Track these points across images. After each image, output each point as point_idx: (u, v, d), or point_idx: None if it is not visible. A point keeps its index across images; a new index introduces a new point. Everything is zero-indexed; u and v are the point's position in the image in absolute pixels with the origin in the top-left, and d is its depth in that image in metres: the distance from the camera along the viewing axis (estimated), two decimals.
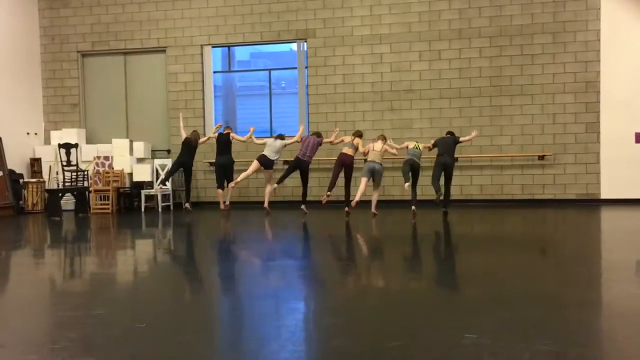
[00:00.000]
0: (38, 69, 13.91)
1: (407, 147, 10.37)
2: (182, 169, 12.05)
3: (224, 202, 11.61)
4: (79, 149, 12.95)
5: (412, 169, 10.03)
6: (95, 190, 12.48)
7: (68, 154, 12.60)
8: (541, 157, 11.75)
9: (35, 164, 13.32)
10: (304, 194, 10.86)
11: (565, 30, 11.82)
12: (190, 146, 11.86)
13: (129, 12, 13.56)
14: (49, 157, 13.26)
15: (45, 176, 13.17)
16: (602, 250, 7.12)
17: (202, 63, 13.37)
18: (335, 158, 10.77)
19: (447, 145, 10.22)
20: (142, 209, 12.48)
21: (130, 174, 12.86)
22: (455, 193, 11.75)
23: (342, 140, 10.82)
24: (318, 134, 11.09)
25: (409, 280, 5.45)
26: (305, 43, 12.96)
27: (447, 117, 12.18)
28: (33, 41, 13.79)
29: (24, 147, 13.34)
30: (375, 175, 10.04)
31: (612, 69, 11.67)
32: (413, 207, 9.74)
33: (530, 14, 11.92)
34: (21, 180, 12.78)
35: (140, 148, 13.08)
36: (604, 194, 11.71)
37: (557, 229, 8.94)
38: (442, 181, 10.08)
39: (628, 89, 11.63)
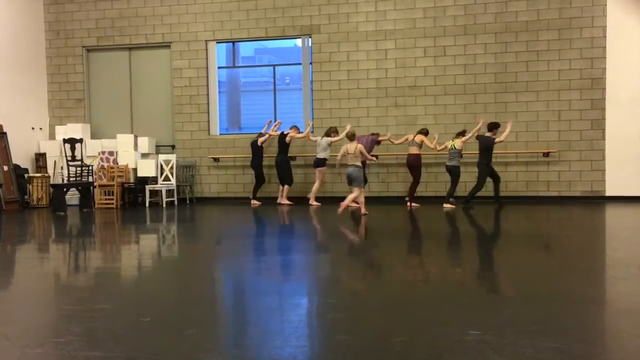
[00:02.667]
0: (43, 64, 13.94)
1: (446, 147, 10.87)
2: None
3: (280, 199, 12.04)
4: (83, 144, 12.99)
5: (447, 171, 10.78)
6: (100, 185, 12.52)
7: (73, 149, 12.64)
8: (546, 154, 11.72)
9: (40, 158, 13.36)
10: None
11: (571, 27, 11.77)
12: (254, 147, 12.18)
13: (133, 7, 13.57)
14: (54, 152, 13.31)
15: (50, 171, 13.21)
16: (607, 248, 7.09)
17: (207, 58, 13.37)
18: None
19: (479, 145, 10.60)
20: (147, 204, 12.50)
21: (135, 169, 12.89)
22: (459, 189, 11.75)
23: (406, 139, 11.22)
24: (374, 133, 11.49)
25: (413, 275, 5.44)
26: (309, 39, 12.94)
27: (451, 113, 12.16)
28: (38, 36, 13.82)
29: (29, 142, 13.39)
30: (352, 181, 9.62)
31: (618, 65, 11.62)
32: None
33: (536, 10, 11.88)
34: (26, 175, 12.83)
35: (144, 143, 13.10)
36: (609, 191, 11.69)
37: (561, 226, 8.91)
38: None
39: (634, 86, 11.59)
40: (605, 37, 11.67)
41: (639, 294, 4.53)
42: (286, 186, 11.95)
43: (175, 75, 13.49)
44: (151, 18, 13.53)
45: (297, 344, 3.38)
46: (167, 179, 12.75)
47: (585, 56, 11.76)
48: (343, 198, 11.26)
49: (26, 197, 12.73)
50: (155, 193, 12.90)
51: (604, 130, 11.69)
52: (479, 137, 10.72)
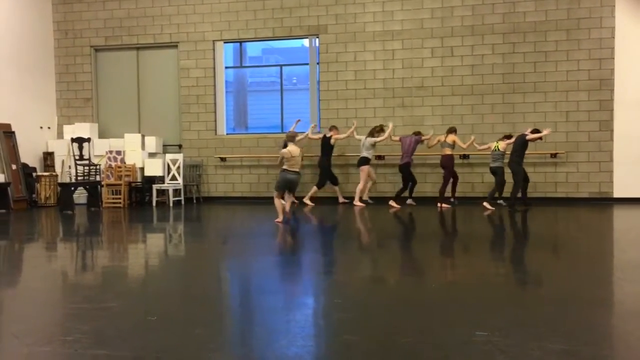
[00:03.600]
0: (51, 64, 14.01)
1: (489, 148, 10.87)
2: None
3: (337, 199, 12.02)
4: (91, 143, 13.04)
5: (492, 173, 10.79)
6: (107, 185, 12.56)
7: (80, 148, 12.68)
8: (553, 155, 11.67)
9: (48, 158, 13.43)
10: (410, 190, 11.42)
11: (579, 27, 11.71)
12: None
13: (141, 7, 13.61)
14: (62, 151, 13.36)
15: (58, 170, 13.27)
16: (615, 250, 7.06)
17: (214, 58, 13.39)
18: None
19: (514, 145, 10.50)
20: (154, 204, 12.54)
21: (142, 169, 12.93)
22: (467, 190, 11.75)
23: (438, 141, 11.23)
24: (416, 133, 11.39)
25: (420, 276, 5.44)
26: (317, 39, 12.94)
27: (458, 114, 12.13)
28: (46, 36, 13.89)
29: (37, 141, 13.46)
30: (293, 188, 8.77)
31: (627, 66, 11.56)
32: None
33: (544, 10, 11.83)
34: (34, 174, 12.89)
35: (152, 143, 13.14)
36: (617, 193, 11.61)
37: (569, 227, 8.87)
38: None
39: None
40: (614, 37, 11.60)
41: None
42: (315, 187, 11.77)
43: (182, 75, 13.52)
44: (159, 18, 13.56)
45: (303, 344, 3.39)
46: (174, 178, 12.78)
47: (593, 57, 11.70)
48: (388, 198, 11.44)
49: (34, 196, 12.79)
50: (162, 192, 12.93)
51: (612, 131, 11.62)
52: (516, 138, 10.61)
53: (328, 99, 12.81)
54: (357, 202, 11.48)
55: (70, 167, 13.10)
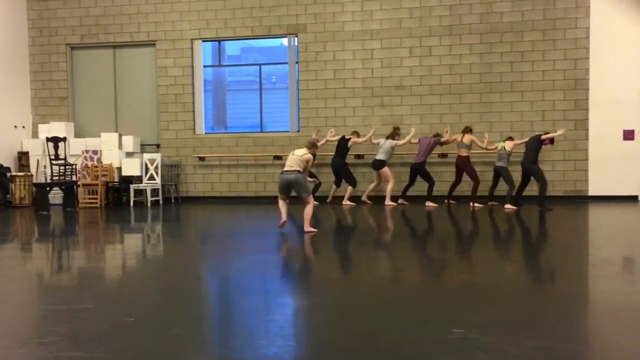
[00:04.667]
0: (26, 62, 13.80)
1: (496, 149, 10.98)
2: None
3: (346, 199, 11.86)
4: (67, 142, 12.87)
5: (494, 174, 10.91)
6: (84, 185, 12.41)
7: (56, 147, 12.51)
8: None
9: (22, 157, 13.22)
10: (429, 191, 11.37)
11: (555, 28, 11.88)
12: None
13: (118, 5, 13.47)
14: (37, 150, 13.17)
15: (33, 170, 13.08)
16: (590, 247, 7.17)
17: (192, 57, 13.31)
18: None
19: (529, 144, 10.63)
20: (131, 204, 12.42)
21: (119, 169, 12.80)
22: (445, 189, 11.80)
23: (455, 140, 11.24)
24: (436, 135, 11.40)
25: (398, 274, 5.46)
26: (296, 38, 12.93)
27: (437, 113, 12.22)
28: (21, 33, 13.67)
29: (12, 140, 13.25)
30: (294, 188, 7.72)
31: (601, 66, 11.76)
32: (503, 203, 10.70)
33: (521, 11, 11.98)
34: (8, 174, 12.68)
35: (129, 142, 13.01)
36: (592, 191, 11.82)
37: (545, 225, 8.99)
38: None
39: (617, 87, 11.73)
40: (589, 38, 11.79)
41: (621, 292, 4.59)
42: (350, 187, 11.71)
43: (160, 73, 13.41)
44: (136, 16, 13.43)
45: (282, 344, 3.38)
46: (152, 178, 12.67)
47: (569, 57, 11.87)
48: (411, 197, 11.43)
49: (8, 196, 12.59)
50: (140, 192, 12.82)
51: (587, 130, 11.81)
52: (530, 138, 10.75)
53: (307, 98, 12.81)
54: (388, 202, 11.44)
55: (45, 167, 12.93)
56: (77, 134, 13.57)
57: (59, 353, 3.22)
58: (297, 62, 12.96)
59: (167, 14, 13.31)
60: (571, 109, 11.89)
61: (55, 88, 13.84)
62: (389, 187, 11.51)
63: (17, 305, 4.51)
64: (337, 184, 12.04)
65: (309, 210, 7.69)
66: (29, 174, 12.79)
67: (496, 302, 4.24)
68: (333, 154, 11.90)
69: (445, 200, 11.35)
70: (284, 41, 13.40)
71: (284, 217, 7.74)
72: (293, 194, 7.85)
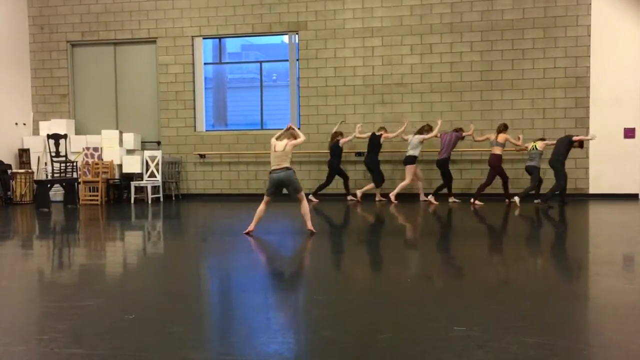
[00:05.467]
0: (27, 59, 13.79)
1: (526, 149, 10.95)
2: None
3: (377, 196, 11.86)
4: (68, 139, 12.87)
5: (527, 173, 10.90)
6: (85, 182, 12.41)
7: (57, 144, 12.52)
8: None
9: (23, 154, 13.22)
10: (448, 188, 11.31)
11: (555, 25, 11.86)
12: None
13: (119, 2, 13.45)
14: (38, 147, 13.18)
15: (34, 167, 13.08)
16: (590, 245, 7.17)
17: (193, 54, 13.30)
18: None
19: (559, 144, 10.62)
20: (132, 201, 12.43)
21: (120, 166, 12.80)
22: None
23: (487, 139, 11.16)
24: (457, 129, 11.28)
25: (398, 272, 5.47)
26: (296, 35, 12.92)
27: (437, 111, 12.21)
28: (22, 30, 13.67)
29: (13, 137, 13.25)
30: (287, 187, 7.37)
31: (602, 64, 11.74)
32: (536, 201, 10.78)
33: (522, 8, 11.96)
34: (9, 171, 12.68)
35: (130, 139, 13.01)
36: (592, 189, 11.81)
37: (545, 223, 8.99)
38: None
39: (617, 85, 11.72)
40: (590, 36, 11.78)
41: (621, 290, 4.59)
42: (371, 184, 11.64)
43: (161, 71, 13.40)
44: (136, 13, 13.42)
45: (282, 341, 3.39)
46: (152, 175, 12.68)
47: (569, 55, 11.86)
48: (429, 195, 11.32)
49: (9, 193, 12.59)
50: (140, 189, 12.82)
51: (587, 128, 11.79)
52: (560, 139, 10.73)
53: (308, 95, 12.80)
54: (392, 196, 11.33)
55: (46, 164, 12.93)
56: (78, 131, 13.56)
57: (60, 350, 3.22)
58: (297, 60, 12.95)
59: (167, 11, 13.30)
60: (572, 107, 11.88)
61: (56, 85, 13.84)
62: (402, 184, 11.38)
63: (18, 302, 4.51)
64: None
65: (306, 206, 7.42)
66: (29, 171, 12.79)
67: (497, 300, 4.24)
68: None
69: (506, 200, 11.04)
70: (285, 38, 13.39)
71: (253, 225, 7.39)
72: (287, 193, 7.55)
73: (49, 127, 13.11)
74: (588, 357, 3.15)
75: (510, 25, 12.01)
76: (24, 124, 13.61)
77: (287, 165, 7.30)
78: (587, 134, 11.68)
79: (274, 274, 5.59)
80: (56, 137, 12.54)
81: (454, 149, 11.35)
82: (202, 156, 13.24)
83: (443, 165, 11.23)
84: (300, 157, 12.57)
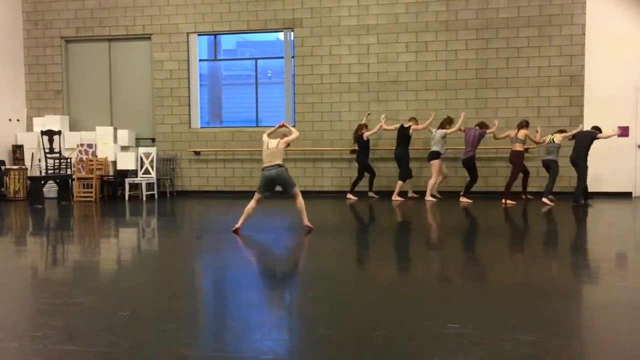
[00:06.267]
0: (21, 55, 13.72)
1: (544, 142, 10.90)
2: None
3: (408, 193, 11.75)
4: (62, 136, 12.82)
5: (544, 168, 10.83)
6: (79, 178, 12.37)
7: (51, 141, 12.46)
8: (525, 150, 11.80)
9: (17, 150, 13.17)
10: (467, 187, 11.18)
11: (550, 24, 11.89)
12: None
13: None
14: (32, 144, 13.12)
15: (28, 163, 13.03)
16: (584, 243, 7.20)
17: (188, 51, 13.26)
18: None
19: (579, 140, 10.57)
20: (126, 198, 12.39)
21: (114, 162, 12.75)
22: (441, 186, 11.80)
23: (508, 135, 11.10)
24: (481, 125, 11.14)
25: (392, 268, 5.47)
26: (292, 32, 12.90)
27: (432, 108, 12.21)
28: (16, 26, 13.59)
29: (6, 133, 13.19)
30: (280, 185, 7.37)
31: (597, 63, 11.77)
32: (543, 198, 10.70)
33: (517, 7, 11.97)
34: (3, 167, 12.62)
35: (124, 136, 12.97)
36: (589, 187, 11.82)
37: (539, 221, 9.01)
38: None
39: (612, 84, 11.75)
40: (584, 34, 11.80)
41: (614, 287, 4.61)
42: (400, 182, 11.45)
43: (155, 67, 13.36)
44: (131, 9, 13.37)
45: (277, 338, 3.39)
46: (147, 172, 12.64)
47: (564, 53, 11.88)
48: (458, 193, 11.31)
49: (3, 189, 12.53)
50: (135, 186, 12.79)
51: (582, 127, 11.80)
52: (580, 134, 10.67)
53: (303, 92, 12.79)
54: (428, 197, 11.24)
55: (40, 160, 12.87)
56: (72, 128, 13.51)
57: (53, 346, 3.21)
58: (293, 57, 12.93)
59: (162, 7, 13.25)
60: (566, 105, 11.92)
61: (50, 81, 13.77)
62: (430, 182, 11.27)
63: (11, 299, 4.50)
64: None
65: (301, 202, 7.38)
66: (23, 167, 12.74)
67: (492, 298, 4.26)
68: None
69: (523, 196, 11.11)
70: (280, 35, 13.37)
71: (240, 223, 7.32)
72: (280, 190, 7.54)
73: (42, 123, 13.05)
74: (581, 354, 3.17)
75: (506, 23, 12.03)
76: (18, 120, 13.55)
77: (279, 162, 7.27)
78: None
79: (268, 271, 5.59)
80: (50, 134, 12.49)
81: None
82: (197, 153, 13.21)
83: (469, 163, 11.08)
84: (295, 155, 12.57)
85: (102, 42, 13.68)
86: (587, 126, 11.77)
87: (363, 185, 11.90)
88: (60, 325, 3.59)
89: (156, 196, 12.72)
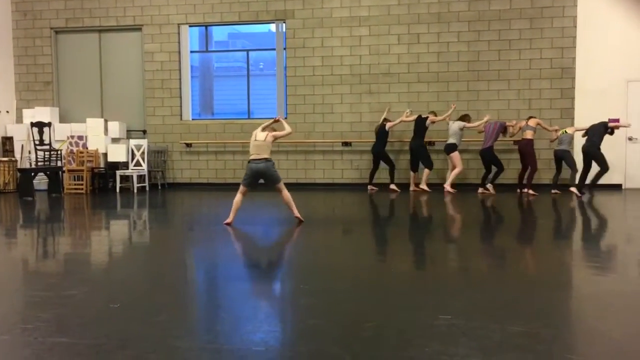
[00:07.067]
0: (9, 46, 13.59)
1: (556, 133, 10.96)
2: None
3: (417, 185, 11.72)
4: (52, 127, 12.73)
5: (555, 159, 10.86)
6: (69, 170, 12.30)
7: (41, 132, 12.38)
8: (516, 142, 11.85)
9: (7, 142, 13.07)
10: (487, 176, 11.24)
11: (542, 16, 11.91)
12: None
13: None
14: (21, 135, 13.03)
15: (18, 155, 12.94)
16: (573, 235, 7.24)
17: (179, 42, 13.19)
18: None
19: (593, 130, 10.60)
20: (117, 190, 12.34)
21: (105, 154, 12.69)
22: (431, 177, 11.82)
23: (520, 128, 11.15)
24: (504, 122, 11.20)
25: (383, 260, 5.49)
26: (284, 24, 12.84)
27: (424, 101, 12.23)
28: (4, 17, 13.46)
29: None
30: (265, 179, 7.36)
31: (588, 55, 11.81)
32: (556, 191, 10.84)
33: None
34: None
35: (115, 128, 12.90)
36: (578, 180, 11.87)
37: (529, 213, 9.06)
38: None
39: (602, 76, 11.80)
40: (576, 27, 11.84)
41: (603, 279, 4.64)
42: (426, 170, 11.49)
43: (146, 58, 13.27)
44: (122, 0, 13.26)
45: (269, 329, 3.39)
46: (138, 164, 12.59)
47: (555, 46, 11.91)
48: (476, 185, 11.38)
49: None
50: (126, 178, 12.74)
51: (573, 119, 11.88)
52: (594, 125, 10.70)
53: (295, 84, 12.76)
54: (447, 187, 11.26)
55: (30, 152, 12.79)
56: (62, 119, 13.42)
57: (44, 339, 3.20)
58: (284, 49, 12.89)
59: None
60: (557, 97, 11.96)
61: (40, 72, 13.67)
62: (454, 172, 11.26)
63: (1, 292, 4.47)
64: (414, 169, 11.74)
65: (287, 195, 7.35)
66: (13, 159, 12.65)
67: (482, 289, 4.28)
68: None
69: (519, 190, 11.16)
70: (272, 27, 13.31)
71: (232, 217, 7.30)
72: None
73: (32, 115, 12.96)
74: (571, 344, 3.19)
75: (497, 15, 12.04)
76: (7, 112, 13.45)
77: (267, 156, 7.22)
78: (572, 124, 11.76)
79: (260, 263, 5.58)
80: (40, 125, 12.40)
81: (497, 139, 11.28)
82: (188, 145, 13.17)
83: (488, 154, 11.11)
84: (287, 147, 12.57)
85: (92, 33, 13.58)
86: (577, 120, 11.84)
87: (383, 177, 11.92)
88: (51, 318, 3.58)
89: (147, 188, 12.68)
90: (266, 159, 7.20)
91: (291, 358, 2.97)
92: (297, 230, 7.03)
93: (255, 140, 7.27)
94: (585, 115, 11.73)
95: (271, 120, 7.71)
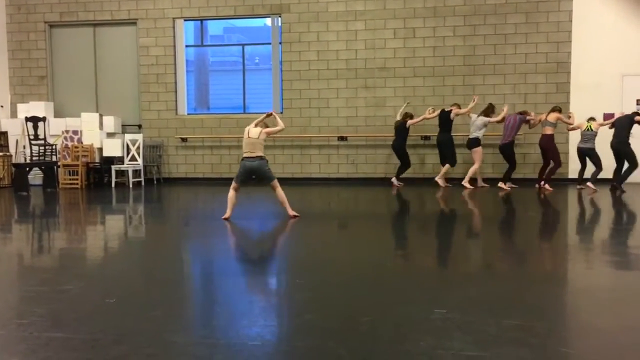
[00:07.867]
0: (4, 40, 13.51)
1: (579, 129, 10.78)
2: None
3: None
4: (46, 122, 12.68)
5: (579, 155, 10.70)
6: (64, 165, 12.26)
7: (35, 127, 12.33)
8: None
9: (1, 137, 13.01)
10: (510, 171, 11.10)
11: (538, 11, 11.91)
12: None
13: None
14: (16, 130, 12.97)
15: (12, 150, 12.89)
16: (568, 229, 7.27)
17: (174, 36, 13.14)
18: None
19: (620, 124, 10.46)
20: (113, 185, 12.32)
21: (100, 149, 12.66)
22: (427, 171, 11.85)
23: (540, 120, 11.02)
24: (522, 112, 11.05)
25: (380, 255, 5.50)
26: (279, 18, 12.81)
27: (420, 95, 12.23)
28: None
29: None
30: (258, 177, 7.33)
31: (583, 50, 11.83)
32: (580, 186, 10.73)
33: None
34: None
35: (110, 122, 12.86)
36: (572, 174, 11.92)
37: (523, 207, 9.08)
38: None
39: (598, 71, 11.82)
40: (571, 21, 11.84)
41: (597, 273, 4.67)
42: (447, 165, 11.31)
43: (141, 53, 13.22)
44: None
45: (264, 324, 3.39)
46: (133, 159, 12.56)
47: (551, 40, 11.92)
48: (497, 179, 11.29)
49: None
50: (121, 173, 12.71)
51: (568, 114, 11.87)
52: (619, 119, 10.56)
53: (291, 79, 12.73)
54: (465, 183, 11.11)
55: (24, 147, 12.74)
56: (57, 114, 13.36)
57: (39, 334, 3.20)
58: (280, 43, 12.85)
59: None
60: (553, 92, 11.97)
61: (34, 67, 13.59)
62: (472, 169, 11.13)
63: None
64: (444, 162, 11.49)
65: (281, 193, 7.32)
66: (8, 154, 12.61)
67: (477, 283, 4.29)
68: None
69: (537, 185, 11.03)
70: (267, 21, 13.27)
71: (229, 212, 7.28)
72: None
73: (27, 109, 12.89)
74: (565, 338, 3.21)
75: (493, 10, 12.03)
76: (2, 107, 13.38)
77: (261, 154, 7.19)
78: (568, 118, 11.77)
79: (256, 257, 5.59)
80: (35, 120, 12.35)
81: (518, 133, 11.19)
82: (183, 140, 13.14)
83: (507, 149, 11.01)
84: (283, 141, 12.55)
85: (86, 27, 13.51)
86: (573, 111, 11.84)
87: (410, 172, 11.86)
88: (47, 313, 3.57)
89: (143, 183, 12.66)
90: (260, 157, 7.16)
91: (287, 352, 2.97)
92: (293, 225, 7.03)
93: (249, 137, 7.23)
94: (581, 109, 11.74)
95: (264, 115, 7.68)
